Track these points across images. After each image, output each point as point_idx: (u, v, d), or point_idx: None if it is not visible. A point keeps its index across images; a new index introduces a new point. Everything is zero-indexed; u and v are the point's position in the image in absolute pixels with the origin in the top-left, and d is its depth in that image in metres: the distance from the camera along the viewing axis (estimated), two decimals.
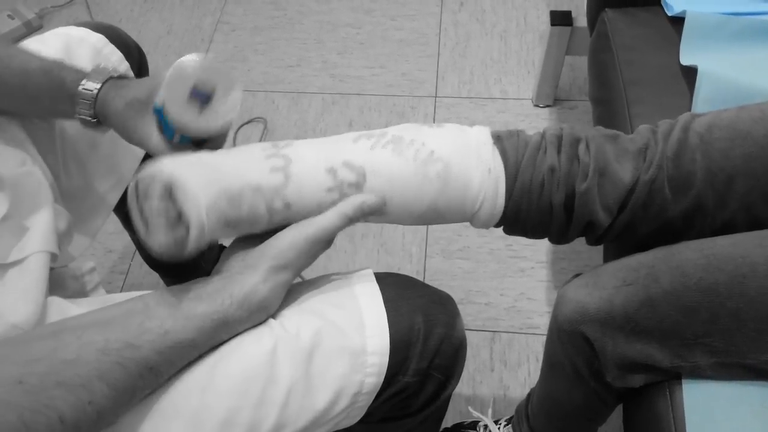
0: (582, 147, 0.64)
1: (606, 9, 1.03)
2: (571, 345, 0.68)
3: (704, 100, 0.82)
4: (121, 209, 0.87)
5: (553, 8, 1.35)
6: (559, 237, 0.67)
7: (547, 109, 1.53)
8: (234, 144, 1.54)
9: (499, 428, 1.02)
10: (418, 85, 1.62)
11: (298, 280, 0.63)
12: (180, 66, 0.59)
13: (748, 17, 0.89)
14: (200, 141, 0.62)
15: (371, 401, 0.61)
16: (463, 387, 1.17)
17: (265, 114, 1.60)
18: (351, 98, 1.62)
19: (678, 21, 0.92)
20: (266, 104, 1.63)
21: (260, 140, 1.56)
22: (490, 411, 1.07)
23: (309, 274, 0.69)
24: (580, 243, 0.72)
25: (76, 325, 0.51)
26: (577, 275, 0.69)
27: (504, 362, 1.20)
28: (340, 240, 1.37)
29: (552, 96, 1.51)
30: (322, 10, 1.82)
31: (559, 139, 0.64)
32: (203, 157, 0.58)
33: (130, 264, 1.40)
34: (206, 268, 1.13)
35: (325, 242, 0.60)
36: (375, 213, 0.61)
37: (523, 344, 1.21)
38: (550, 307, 1.25)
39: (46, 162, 0.71)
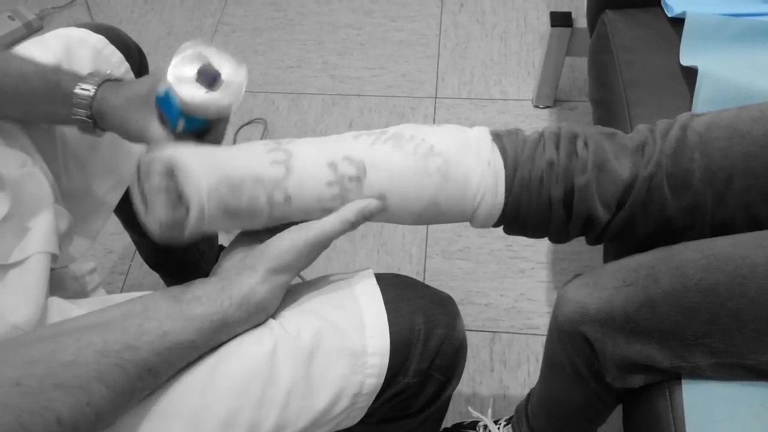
0: (580, 143, 0.64)
1: (606, 10, 1.03)
2: (571, 345, 0.68)
3: (704, 101, 0.82)
4: (122, 210, 0.87)
5: (553, 9, 1.35)
6: (559, 234, 0.67)
7: (547, 110, 1.53)
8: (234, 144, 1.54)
9: (498, 428, 1.02)
10: (418, 86, 1.62)
11: (297, 280, 0.63)
12: (187, 48, 0.59)
13: (748, 18, 0.89)
14: (201, 132, 0.63)
15: (371, 402, 0.61)
16: (462, 387, 1.17)
17: (265, 115, 1.61)
18: (351, 99, 1.62)
19: (678, 22, 0.92)
20: (266, 105, 1.63)
21: None
22: (489, 411, 1.07)
23: (309, 274, 0.69)
24: (580, 244, 0.72)
25: (74, 327, 0.51)
26: (577, 276, 0.69)
27: (504, 363, 1.20)
28: (340, 240, 1.37)
29: (552, 97, 1.51)
30: (322, 11, 1.82)
31: (557, 136, 0.65)
32: (205, 148, 0.59)
33: (130, 264, 1.40)
34: (206, 268, 1.13)
35: (324, 245, 0.60)
36: (376, 215, 0.61)
37: (523, 345, 1.21)
38: (550, 307, 1.25)
39: (46, 163, 0.71)
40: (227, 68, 0.60)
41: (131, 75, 0.81)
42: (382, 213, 0.62)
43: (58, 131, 0.75)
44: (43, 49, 0.73)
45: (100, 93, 0.63)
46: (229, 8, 1.86)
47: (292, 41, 1.76)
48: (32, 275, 0.61)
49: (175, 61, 0.59)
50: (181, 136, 0.61)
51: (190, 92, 0.58)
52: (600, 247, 0.89)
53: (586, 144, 0.64)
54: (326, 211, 0.60)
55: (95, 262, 0.76)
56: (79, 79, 0.63)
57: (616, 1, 1.02)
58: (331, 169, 0.60)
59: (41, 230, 0.63)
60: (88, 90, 0.63)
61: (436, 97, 1.59)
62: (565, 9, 1.33)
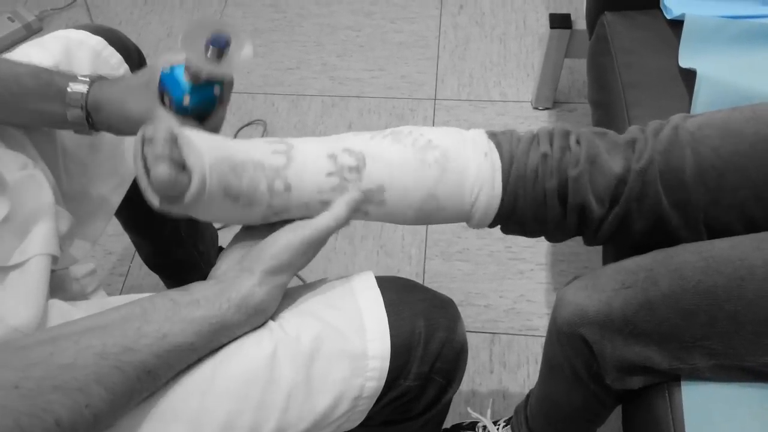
0: (573, 139, 0.65)
1: (605, 12, 1.03)
2: (570, 347, 0.68)
3: (703, 103, 0.82)
4: (122, 211, 0.88)
5: (553, 11, 1.35)
6: (556, 231, 0.67)
7: (546, 112, 1.54)
8: None
9: (498, 429, 1.02)
10: (417, 88, 1.62)
11: (298, 282, 0.63)
12: (196, 20, 0.60)
13: (746, 20, 0.89)
14: (204, 111, 0.64)
15: (372, 405, 0.61)
16: (462, 388, 1.17)
17: (264, 116, 1.61)
18: (350, 101, 1.62)
19: (677, 24, 0.93)
20: (266, 106, 1.63)
21: None
22: (489, 412, 1.07)
23: (309, 276, 0.69)
24: (579, 245, 0.72)
25: (73, 331, 0.51)
26: (576, 278, 0.69)
27: (503, 364, 1.20)
28: (339, 242, 1.38)
29: (551, 99, 1.51)
30: (322, 12, 1.82)
31: (551, 133, 0.66)
32: (207, 133, 0.59)
33: (130, 266, 1.40)
34: (205, 269, 1.13)
35: (318, 243, 0.60)
36: (363, 205, 0.61)
37: (522, 346, 1.21)
38: (549, 308, 1.25)
39: (47, 165, 0.71)
40: (235, 39, 0.60)
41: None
42: (381, 204, 0.62)
43: (59, 132, 0.75)
44: (42, 51, 0.73)
45: (95, 88, 0.63)
46: (229, 10, 1.86)
47: (292, 43, 1.76)
48: (33, 277, 0.61)
49: (185, 32, 0.59)
50: (184, 119, 0.62)
51: (200, 62, 0.59)
52: (599, 249, 0.89)
53: (578, 141, 0.65)
54: (325, 204, 0.61)
55: (95, 263, 0.76)
56: (72, 77, 0.64)
57: (616, 3, 1.02)
58: (331, 160, 0.61)
59: (42, 232, 0.63)
60: (81, 86, 0.63)
61: (435, 99, 1.60)
62: (564, 11, 1.33)
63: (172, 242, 1.06)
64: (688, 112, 0.83)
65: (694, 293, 0.59)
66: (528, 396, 0.94)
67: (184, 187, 0.54)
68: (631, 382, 0.66)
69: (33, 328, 0.58)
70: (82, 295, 0.72)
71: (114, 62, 0.79)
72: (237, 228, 0.66)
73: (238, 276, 0.58)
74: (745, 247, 0.59)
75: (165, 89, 0.62)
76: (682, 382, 0.63)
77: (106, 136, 0.79)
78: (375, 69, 1.68)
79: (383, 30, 1.76)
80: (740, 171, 0.62)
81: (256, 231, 0.63)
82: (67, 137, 0.75)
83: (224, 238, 1.28)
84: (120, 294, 1.34)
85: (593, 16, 1.07)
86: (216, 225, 1.27)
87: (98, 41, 0.78)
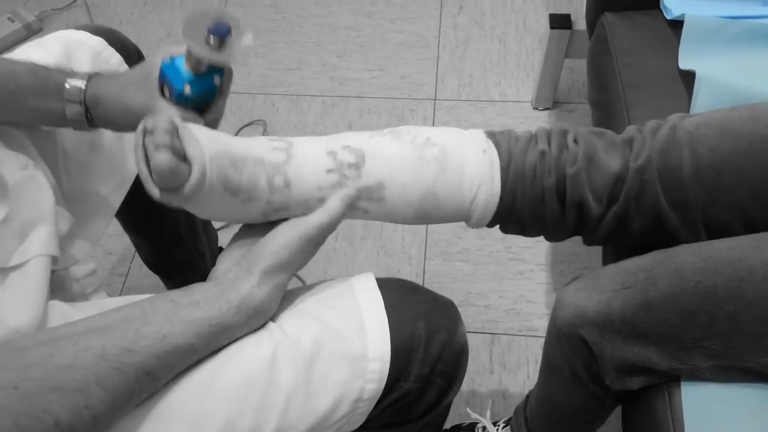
0: (570, 138, 0.66)
1: (605, 12, 1.03)
2: (570, 348, 0.68)
3: (702, 103, 0.82)
4: (121, 212, 0.88)
5: (552, 11, 1.35)
6: (555, 230, 0.67)
7: (546, 112, 1.54)
8: None
9: (497, 430, 1.02)
10: (417, 88, 1.63)
11: (298, 283, 0.63)
12: (197, 10, 0.60)
13: (746, 21, 0.89)
14: (205, 102, 0.64)
15: (372, 407, 0.61)
16: (462, 388, 1.17)
17: (264, 116, 1.61)
18: (350, 101, 1.62)
19: (677, 24, 0.93)
20: (266, 107, 1.63)
21: None
22: (488, 413, 1.07)
23: (309, 277, 0.69)
24: (579, 246, 0.72)
25: (72, 332, 0.51)
26: (575, 278, 0.69)
27: (503, 364, 1.20)
28: (339, 242, 1.38)
29: (551, 99, 1.51)
30: (321, 13, 1.82)
31: (549, 132, 0.67)
32: (208, 129, 0.59)
33: (130, 266, 1.40)
34: (205, 270, 1.13)
35: (316, 240, 0.60)
36: (363, 203, 0.61)
37: (522, 346, 1.21)
38: (549, 309, 1.25)
39: (48, 165, 0.71)
40: (235, 28, 0.61)
41: None
42: (381, 205, 0.63)
43: (59, 132, 0.75)
44: (42, 52, 0.73)
45: (93, 83, 0.63)
46: (229, 10, 1.86)
47: (292, 43, 1.76)
48: (33, 278, 0.60)
49: (186, 22, 0.59)
50: (185, 110, 0.62)
51: (201, 49, 0.59)
52: (599, 250, 0.89)
53: (576, 140, 0.66)
54: (324, 202, 0.61)
55: (95, 263, 0.76)
56: (69, 73, 0.64)
57: (615, 4, 1.02)
58: (330, 157, 0.61)
59: (42, 233, 0.63)
60: (79, 82, 0.63)
61: (435, 99, 1.60)
62: (564, 11, 1.33)
63: (172, 243, 1.06)
64: (688, 112, 0.83)
65: (693, 294, 0.59)
66: (527, 396, 0.94)
67: (184, 176, 0.54)
68: (631, 382, 0.66)
69: (33, 329, 0.58)
70: (83, 296, 0.72)
71: (114, 63, 0.79)
72: (237, 228, 0.66)
73: (237, 277, 0.58)
74: (744, 248, 0.59)
75: (165, 80, 0.63)
76: (682, 383, 0.63)
77: (107, 137, 0.79)
78: (375, 69, 1.68)
79: (383, 30, 1.76)
80: (738, 171, 0.62)
81: (255, 230, 0.63)
82: (68, 137, 0.75)
83: (224, 238, 1.28)
84: (120, 294, 1.34)
85: (593, 17, 1.07)
86: (216, 225, 1.27)
87: (98, 41, 0.78)
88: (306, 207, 0.61)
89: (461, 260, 1.33)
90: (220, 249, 1.22)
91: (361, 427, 0.63)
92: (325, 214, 0.60)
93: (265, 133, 1.58)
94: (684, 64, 0.87)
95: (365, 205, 0.63)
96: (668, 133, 0.65)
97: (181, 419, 0.53)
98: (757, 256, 0.58)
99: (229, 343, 0.57)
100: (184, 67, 0.61)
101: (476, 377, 1.18)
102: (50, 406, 0.45)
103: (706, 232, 0.65)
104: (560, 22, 1.31)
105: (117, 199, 0.82)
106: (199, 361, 0.56)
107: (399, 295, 0.64)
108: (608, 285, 0.64)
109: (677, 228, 0.65)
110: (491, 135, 0.66)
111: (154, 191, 0.54)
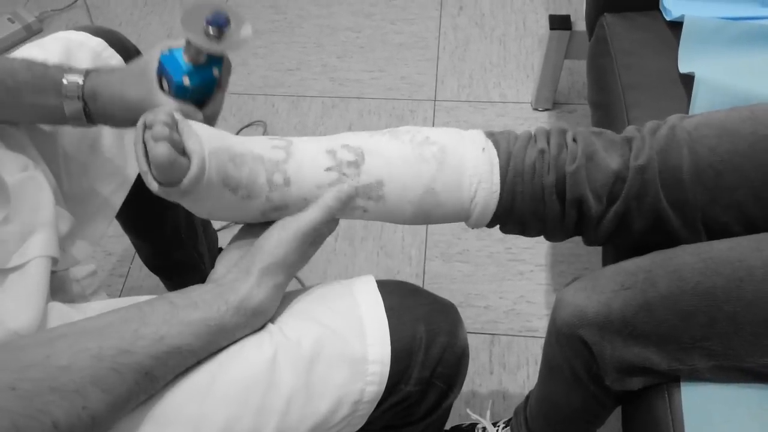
0: (570, 136, 0.66)
1: (605, 13, 1.03)
2: (570, 348, 0.68)
3: (702, 104, 0.82)
4: (121, 212, 0.87)
5: (552, 12, 1.35)
6: (555, 229, 0.67)
7: (546, 113, 1.54)
8: None
9: (497, 430, 1.02)
10: (417, 89, 1.63)
11: (298, 286, 0.63)
12: (195, 1, 0.60)
13: (746, 22, 0.89)
14: (204, 95, 0.64)
15: (372, 410, 0.61)
16: (462, 389, 1.17)
17: (264, 117, 1.61)
18: (350, 102, 1.62)
19: (676, 25, 0.93)
20: (266, 107, 1.63)
21: None
22: (488, 413, 1.07)
23: (309, 276, 0.69)
24: (578, 246, 0.72)
25: (70, 333, 0.51)
26: (575, 279, 0.69)
27: (503, 365, 1.20)
28: (339, 243, 1.38)
29: (551, 100, 1.51)
30: (322, 14, 1.82)
31: (548, 132, 0.67)
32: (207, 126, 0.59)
33: (130, 267, 1.40)
34: (205, 271, 1.13)
35: (311, 237, 0.60)
36: (362, 201, 0.61)
37: (522, 347, 1.21)
38: (549, 310, 1.25)
39: (48, 166, 0.71)
40: (234, 19, 0.61)
41: None
42: (381, 204, 0.63)
43: (60, 133, 0.75)
44: (42, 52, 0.73)
45: (91, 78, 0.63)
46: None
47: (292, 44, 1.76)
48: (32, 279, 0.60)
49: (185, 13, 0.59)
50: (184, 102, 0.62)
51: (200, 39, 0.59)
52: (599, 251, 0.89)
53: (575, 139, 0.66)
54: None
55: (95, 264, 0.76)
56: (66, 69, 0.63)
57: (615, 5, 1.02)
58: (329, 155, 0.61)
59: (42, 234, 0.63)
60: (76, 77, 0.62)
61: (435, 100, 1.60)
62: (563, 12, 1.33)
63: (172, 244, 1.06)
64: (687, 113, 0.84)
65: (693, 294, 0.59)
66: (527, 397, 0.94)
67: (183, 170, 0.54)
68: (631, 383, 0.66)
69: (33, 331, 0.58)
70: (83, 297, 0.72)
71: (114, 64, 0.79)
72: (237, 229, 0.66)
73: (236, 278, 0.58)
74: (744, 248, 0.59)
75: (164, 72, 0.62)
76: (682, 383, 0.63)
77: (107, 138, 0.79)
78: (375, 70, 1.68)
79: (383, 31, 1.76)
80: (738, 171, 0.62)
81: (254, 232, 0.63)
82: (68, 138, 0.75)
83: (224, 239, 1.28)
84: (120, 295, 1.34)
85: (593, 18, 1.07)
86: (216, 226, 1.27)
87: (98, 42, 0.78)
88: (305, 205, 0.61)
89: (461, 261, 1.33)
90: (220, 250, 1.22)
91: (361, 429, 0.63)
92: (319, 211, 0.60)
93: (265, 134, 1.58)
94: (684, 66, 0.87)
95: (364, 203, 0.63)
96: (668, 133, 0.65)
97: (181, 421, 0.53)
98: (756, 256, 0.58)
99: (229, 345, 0.57)
100: (183, 59, 0.61)
101: (476, 378, 1.18)
102: (48, 407, 0.45)
103: (706, 233, 0.65)
104: (560, 23, 1.31)
105: (118, 199, 0.82)
106: (199, 363, 0.56)
107: (399, 297, 0.64)
108: (608, 286, 0.64)
109: (677, 228, 0.65)
110: (490, 135, 0.67)
111: (153, 185, 0.54)
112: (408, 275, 1.32)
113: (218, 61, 0.63)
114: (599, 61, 1.01)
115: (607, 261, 0.85)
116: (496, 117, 1.55)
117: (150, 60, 0.63)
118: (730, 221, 0.64)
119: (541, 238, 0.71)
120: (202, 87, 0.63)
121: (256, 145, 0.60)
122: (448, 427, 1.09)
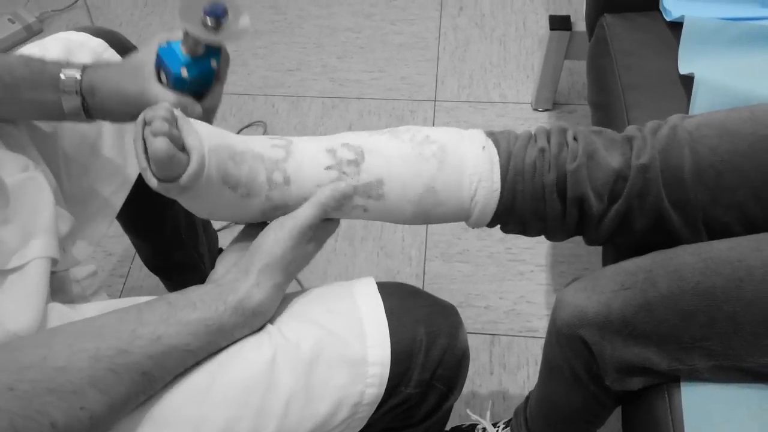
0: (570, 135, 0.66)
1: (605, 14, 1.03)
2: (570, 348, 0.68)
3: (701, 105, 0.82)
4: (122, 213, 0.88)
5: (552, 13, 1.35)
6: (556, 228, 0.67)
7: (546, 113, 1.54)
8: None
9: (497, 431, 1.02)
10: (417, 89, 1.63)
11: (297, 287, 0.63)
12: None
13: (745, 22, 0.90)
14: (202, 87, 0.64)
15: (372, 412, 0.61)
16: (462, 391, 1.17)
17: (264, 118, 1.61)
18: (351, 102, 1.62)
19: (676, 26, 0.93)
20: (266, 108, 1.63)
21: None
22: (488, 414, 1.07)
23: (309, 276, 0.69)
24: (578, 247, 0.72)
25: (67, 333, 0.51)
26: (575, 279, 0.69)
27: (503, 365, 1.20)
28: (339, 243, 1.38)
29: (551, 100, 1.51)
30: (322, 14, 1.82)
31: (548, 131, 0.67)
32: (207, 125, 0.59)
33: (130, 267, 1.40)
34: (205, 272, 1.13)
35: (308, 234, 0.60)
36: (362, 200, 0.61)
37: (522, 347, 1.21)
38: (549, 310, 1.25)
39: (49, 166, 0.71)
40: (232, 10, 0.61)
41: None
42: (381, 202, 0.62)
43: (60, 134, 0.75)
44: (43, 53, 0.73)
45: (88, 72, 0.62)
46: None
47: (292, 44, 1.76)
48: (32, 281, 0.60)
49: (183, 3, 0.59)
50: (182, 94, 0.62)
51: (198, 30, 0.59)
52: (599, 250, 0.89)
53: (575, 138, 0.66)
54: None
55: (95, 264, 0.76)
56: (64, 64, 0.63)
57: (615, 5, 1.02)
58: (329, 154, 0.61)
59: (41, 235, 0.63)
60: (74, 72, 0.62)
61: (435, 100, 1.60)
62: (563, 12, 1.33)
63: (173, 244, 1.06)
64: (687, 114, 0.84)
65: (692, 294, 0.59)
66: (527, 397, 0.94)
67: (182, 165, 0.53)
68: (631, 383, 0.66)
69: (32, 332, 0.58)
70: (83, 297, 0.72)
71: None
72: (237, 229, 0.66)
73: (236, 278, 0.58)
74: (744, 249, 0.59)
75: (162, 64, 0.62)
76: (682, 383, 0.63)
77: (107, 139, 0.79)
78: (375, 70, 1.68)
79: (383, 31, 1.76)
80: (739, 171, 0.62)
81: (254, 233, 0.63)
82: (69, 139, 0.75)
83: (224, 239, 1.28)
84: (120, 295, 1.34)
85: (593, 18, 1.07)
86: (216, 226, 1.27)
87: (99, 43, 0.78)
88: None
89: (461, 261, 1.33)
90: (221, 250, 1.22)
91: (361, 431, 0.63)
92: (313, 207, 0.60)
93: (265, 134, 1.58)
94: (683, 67, 0.87)
95: (365, 202, 0.63)
96: (669, 133, 0.65)
97: (180, 422, 0.53)
98: (756, 256, 0.58)
99: (229, 346, 0.57)
100: (181, 51, 0.61)
101: (476, 378, 1.18)
102: (46, 408, 0.45)
103: (707, 232, 0.65)
104: (560, 23, 1.31)
105: (118, 200, 0.82)
106: (198, 364, 0.56)
107: (399, 299, 0.64)
108: (608, 286, 0.64)
109: (679, 228, 0.65)
110: (490, 134, 0.67)
111: (152, 181, 0.54)
112: (408, 275, 1.32)
113: (216, 52, 0.63)
114: (599, 62, 1.01)
115: (607, 261, 0.85)
116: (496, 117, 1.55)
117: (148, 53, 0.63)
118: (731, 221, 0.64)
119: (542, 239, 0.71)
120: (201, 79, 0.63)
121: (256, 143, 0.60)
122: (448, 427, 1.09)
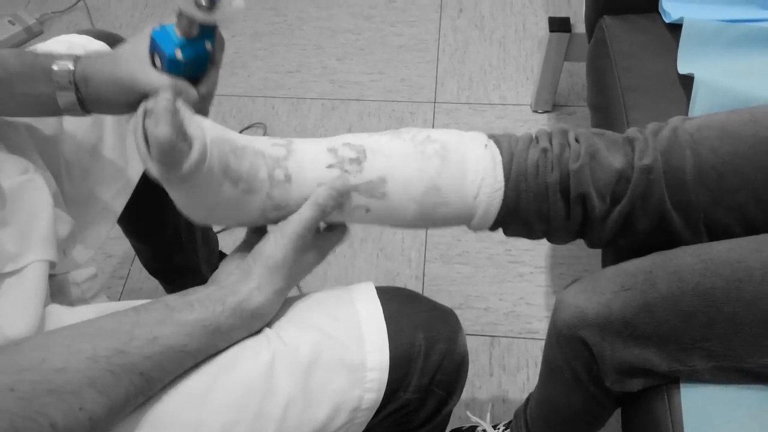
0: (572, 137, 0.66)
1: (604, 16, 1.04)
2: (570, 350, 0.68)
3: (701, 107, 0.82)
4: (122, 217, 0.87)
5: (552, 15, 1.35)
6: (559, 230, 0.67)
7: (545, 115, 1.54)
8: None
9: None
10: (417, 91, 1.63)
11: (296, 292, 0.63)
12: None
13: (745, 24, 0.90)
14: (197, 70, 0.63)
15: (371, 417, 0.61)
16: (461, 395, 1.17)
17: (264, 119, 1.61)
18: (350, 104, 1.62)
19: (676, 28, 0.93)
20: (266, 110, 1.63)
21: None
22: (488, 416, 1.07)
23: (309, 280, 0.69)
24: (578, 248, 0.72)
25: (65, 335, 0.51)
26: (575, 280, 0.69)
27: (503, 367, 1.20)
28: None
29: (551, 102, 1.51)
30: (321, 16, 1.82)
31: (549, 132, 0.67)
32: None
33: (130, 269, 1.40)
34: (206, 274, 1.13)
35: (308, 237, 0.59)
36: (365, 200, 0.61)
37: (522, 349, 1.21)
38: (549, 311, 1.25)
39: (49, 169, 0.71)
40: None
41: None
42: (383, 202, 0.62)
43: (60, 136, 0.75)
44: None
45: (81, 62, 0.61)
46: None
47: (292, 46, 1.76)
48: (30, 284, 0.60)
49: None
50: (177, 78, 0.61)
51: (192, 9, 0.58)
52: (598, 252, 0.89)
53: (577, 139, 0.66)
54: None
55: (94, 266, 0.76)
56: (57, 56, 0.62)
57: (614, 7, 1.03)
58: (331, 153, 0.61)
59: (40, 238, 0.63)
60: (66, 62, 0.61)
61: (435, 102, 1.60)
62: (563, 14, 1.33)
63: (172, 247, 1.06)
64: (687, 115, 0.84)
65: (692, 295, 0.59)
66: (527, 399, 0.94)
67: (184, 153, 0.53)
68: (631, 384, 0.66)
69: (30, 336, 0.57)
70: (83, 300, 0.71)
71: None
72: (237, 231, 0.66)
73: (237, 280, 0.58)
74: (744, 250, 0.59)
75: (156, 47, 0.61)
76: (682, 384, 0.63)
77: (108, 142, 0.79)
78: (375, 72, 1.68)
79: (383, 33, 1.76)
80: (739, 173, 0.62)
81: (256, 241, 0.62)
82: (69, 142, 0.75)
83: (224, 241, 1.28)
84: (120, 297, 1.34)
85: (592, 20, 1.07)
86: (216, 228, 1.27)
87: (100, 46, 0.78)
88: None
89: (461, 263, 1.33)
90: (221, 253, 1.22)
91: None
92: (310, 209, 0.59)
93: (264, 135, 1.58)
94: (683, 68, 0.88)
95: (367, 202, 0.62)
96: (670, 134, 0.65)
97: (178, 426, 0.53)
98: (756, 257, 0.58)
99: (227, 350, 0.57)
100: (174, 33, 0.60)
101: (476, 380, 1.18)
102: (45, 409, 0.45)
103: (707, 234, 0.65)
104: (559, 25, 1.31)
105: (119, 204, 0.82)
106: (197, 368, 0.55)
107: (398, 304, 0.63)
108: (608, 287, 0.64)
109: (680, 229, 0.65)
110: (491, 136, 0.66)
111: (153, 169, 0.53)
112: (408, 277, 1.32)
113: (211, 34, 0.62)
114: (599, 64, 1.01)
115: (606, 262, 0.85)
116: (496, 119, 1.55)
117: (140, 39, 0.62)
118: (731, 223, 0.64)
119: (542, 240, 0.71)
120: (196, 61, 0.62)
121: (257, 141, 0.60)
122: (447, 430, 1.09)
